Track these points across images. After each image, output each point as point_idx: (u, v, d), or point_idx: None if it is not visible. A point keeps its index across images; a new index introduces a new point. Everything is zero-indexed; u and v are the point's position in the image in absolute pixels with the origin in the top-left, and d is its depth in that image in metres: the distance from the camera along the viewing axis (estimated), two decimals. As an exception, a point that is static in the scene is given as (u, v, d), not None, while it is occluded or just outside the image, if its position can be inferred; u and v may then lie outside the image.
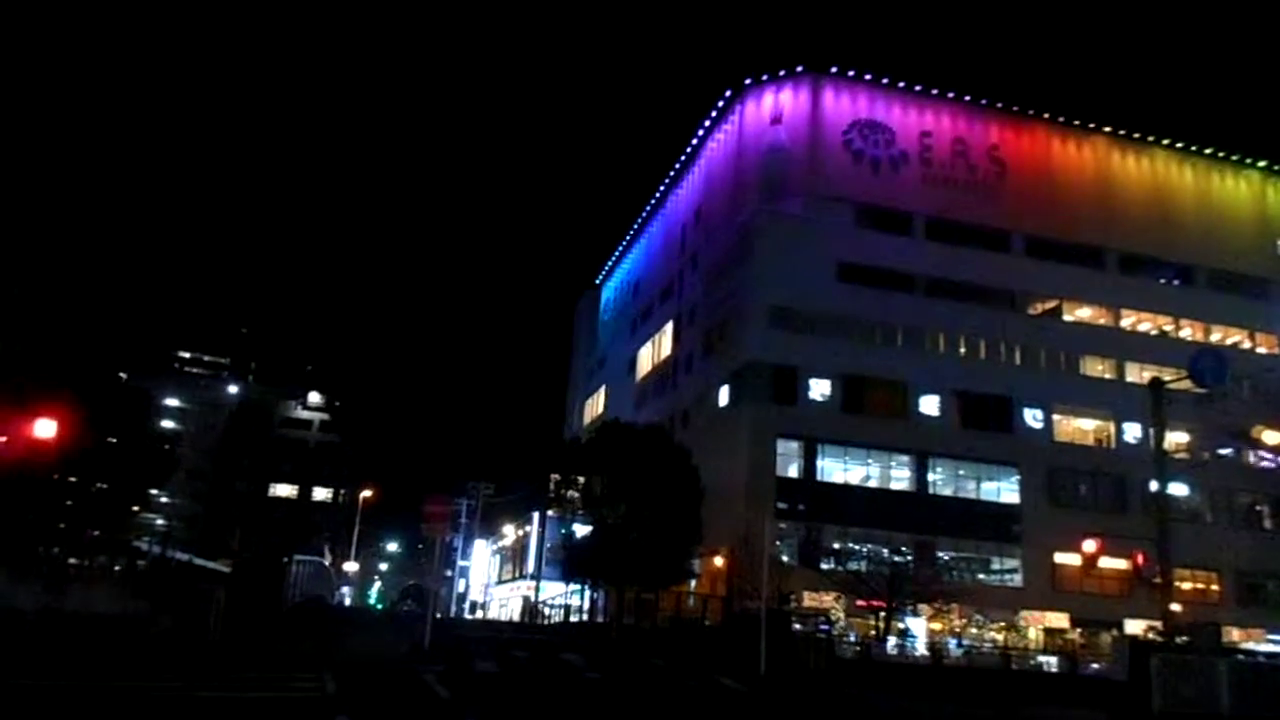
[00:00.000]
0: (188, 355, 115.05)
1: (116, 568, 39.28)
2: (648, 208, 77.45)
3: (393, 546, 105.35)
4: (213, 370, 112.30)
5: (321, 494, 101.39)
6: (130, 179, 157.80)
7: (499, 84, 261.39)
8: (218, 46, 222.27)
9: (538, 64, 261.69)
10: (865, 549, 47.68)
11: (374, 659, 23.26)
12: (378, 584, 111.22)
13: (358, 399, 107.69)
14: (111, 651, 19.76)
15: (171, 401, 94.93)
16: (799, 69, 58.86)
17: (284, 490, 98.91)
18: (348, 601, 70.01)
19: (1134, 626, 46.72)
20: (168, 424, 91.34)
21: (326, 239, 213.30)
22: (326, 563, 63.18)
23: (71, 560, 37.52)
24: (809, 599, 45.76)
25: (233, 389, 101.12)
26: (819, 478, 49.66)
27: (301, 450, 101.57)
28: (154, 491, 78.52)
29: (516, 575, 75.65)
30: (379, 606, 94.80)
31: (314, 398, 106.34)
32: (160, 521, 77.30)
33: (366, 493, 71.57)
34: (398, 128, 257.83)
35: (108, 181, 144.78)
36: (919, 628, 45.04)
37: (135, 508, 70.58)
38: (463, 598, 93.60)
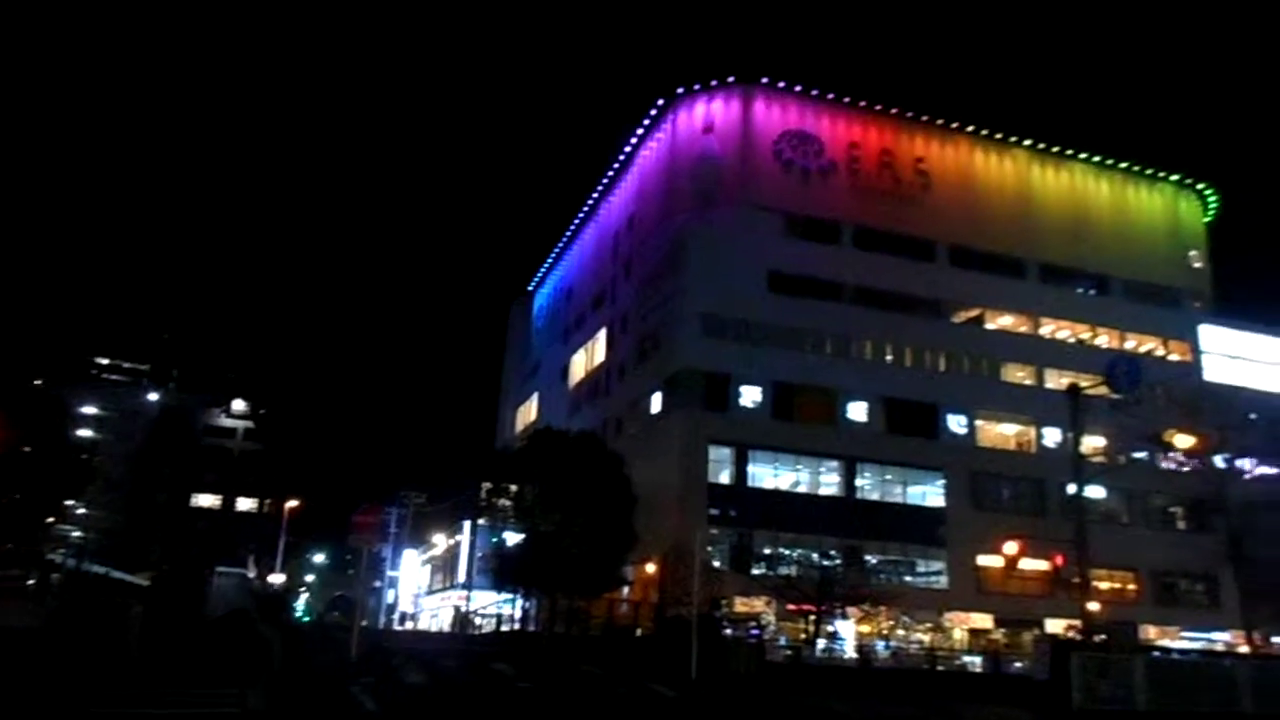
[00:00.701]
0: (106, 362, 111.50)
1: (30, 581, 37.84)
2: (581, 214, 77.39)
3: (320, 558, 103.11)
4: (132, 377, 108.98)
5: (246, 504, 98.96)
6: (44, 180, 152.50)
7: (431, 89, 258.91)
8: (129, 50, 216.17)
9: (470, 70, 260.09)
10: (795, 554, 48.18)
11: (300, 672, 22.76)
12: (305, 596, 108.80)
13: (284, 406, 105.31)
14: (21, 669, 18.99)
15: (89, 409, 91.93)
16: (730, 79, 59.47)
17: (206, 501, 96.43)
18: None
19: (1055, 626, 47.98)
20: (85, 433, 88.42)
21: (252, 243, 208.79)
22: (251, 575, 61.59)
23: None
24: (740, 604, 46.09)
25: (153, 396, 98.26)
26: (750, 484, 50.05)
27: (225, 459, 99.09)
28: (70, 502, 75.95)
29: (447, 585, 74.70)
30: (306, 619, 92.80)
31: (238, 405, 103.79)
32: (76, 533, 74.79)
33: (292, 503, 69.99)
34: (328, 131, 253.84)
35: (19, 184, 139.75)
36: (848, 630, 45.64)
37: (50, 519, 68.14)
38: (392, 608, 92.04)
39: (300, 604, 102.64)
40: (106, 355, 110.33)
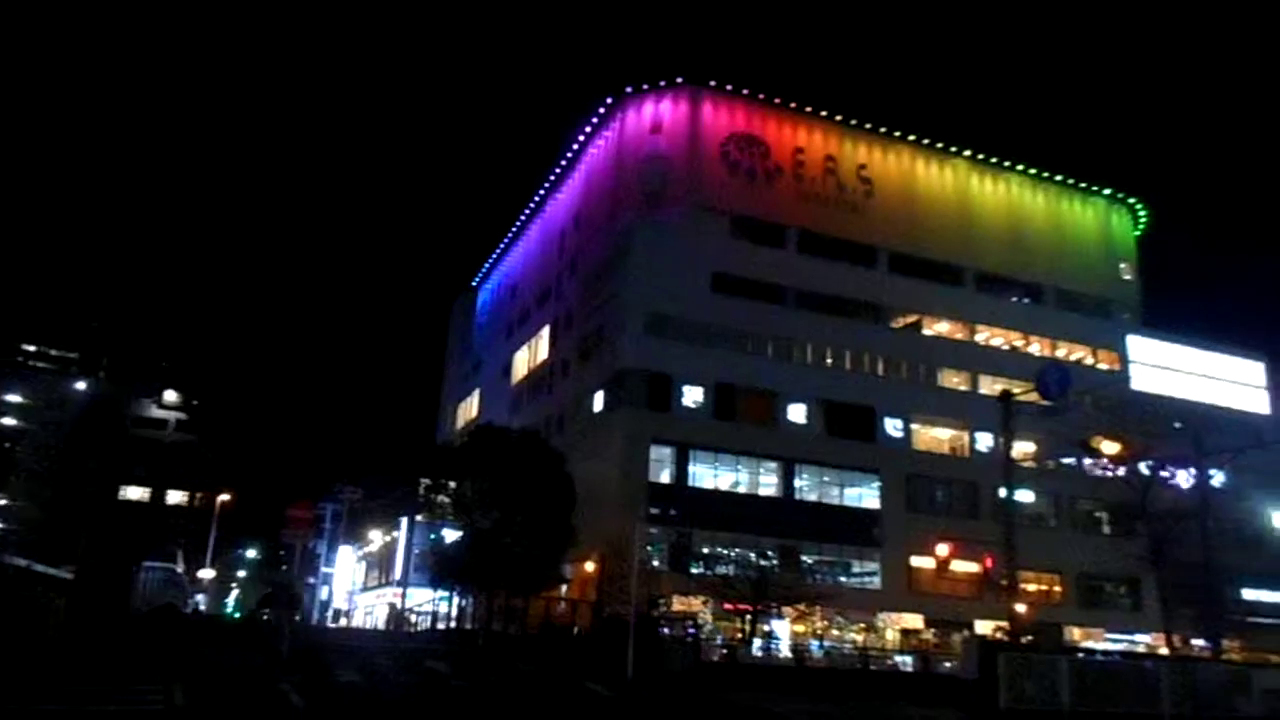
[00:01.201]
0: (33, 349, 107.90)
1: (-56, 576, 36.53)
2: (527, 211, 76.99)
3: (252, 553, 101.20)
4: (60, 365, 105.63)
5: (176, 497, 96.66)
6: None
7: (379, 80, 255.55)
8: (58, 36, 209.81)
9: (418, 62, 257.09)
10: (733, 553, 48.49)
11: (229, 669, 22.34)
12: (235, 592, 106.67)
13: (218, 398, 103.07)
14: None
15: (13, 398, 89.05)
16: (679, 80, 59.63)
17: (136, 493, 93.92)
18: (203, 610, 66.89)
19: (984, 627, 49.00)
20: (8, 421, 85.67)
21: (188, 230, 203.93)
22: (180, 570, 60.23)
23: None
24: (678, 603, 46.26)
25: (81, 385, 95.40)
26: (690, 483, 50.23)
27: (156, 451, 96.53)
28: (-10, 493, 73.40)
29: (383, 582, 73.79)
30: (236, 615, 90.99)
31: (170, 396, 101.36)
32: (-3, 525, 72.27)
33: (225, 496, 68.61)
34: (270, 117, 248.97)
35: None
36: (783, 630, 46.08)
37: (-33, 511, 65.81)
38: (326, 605, 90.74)
39: (231, 600, 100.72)
40: (33, 342, 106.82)
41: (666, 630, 37.96)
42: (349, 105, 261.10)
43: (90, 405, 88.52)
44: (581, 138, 65.56)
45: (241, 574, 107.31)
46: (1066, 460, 52.73)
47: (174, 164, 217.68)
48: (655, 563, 45.81)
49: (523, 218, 78.10)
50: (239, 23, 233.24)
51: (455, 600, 48.80)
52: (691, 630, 40.13)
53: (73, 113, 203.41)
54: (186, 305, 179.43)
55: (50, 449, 78.64)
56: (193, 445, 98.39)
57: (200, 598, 67.88)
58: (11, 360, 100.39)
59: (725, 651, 37.56)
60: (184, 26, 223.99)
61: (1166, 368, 62.37)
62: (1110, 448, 26.59)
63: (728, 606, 44.81)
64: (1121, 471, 37.88)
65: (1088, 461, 49.92)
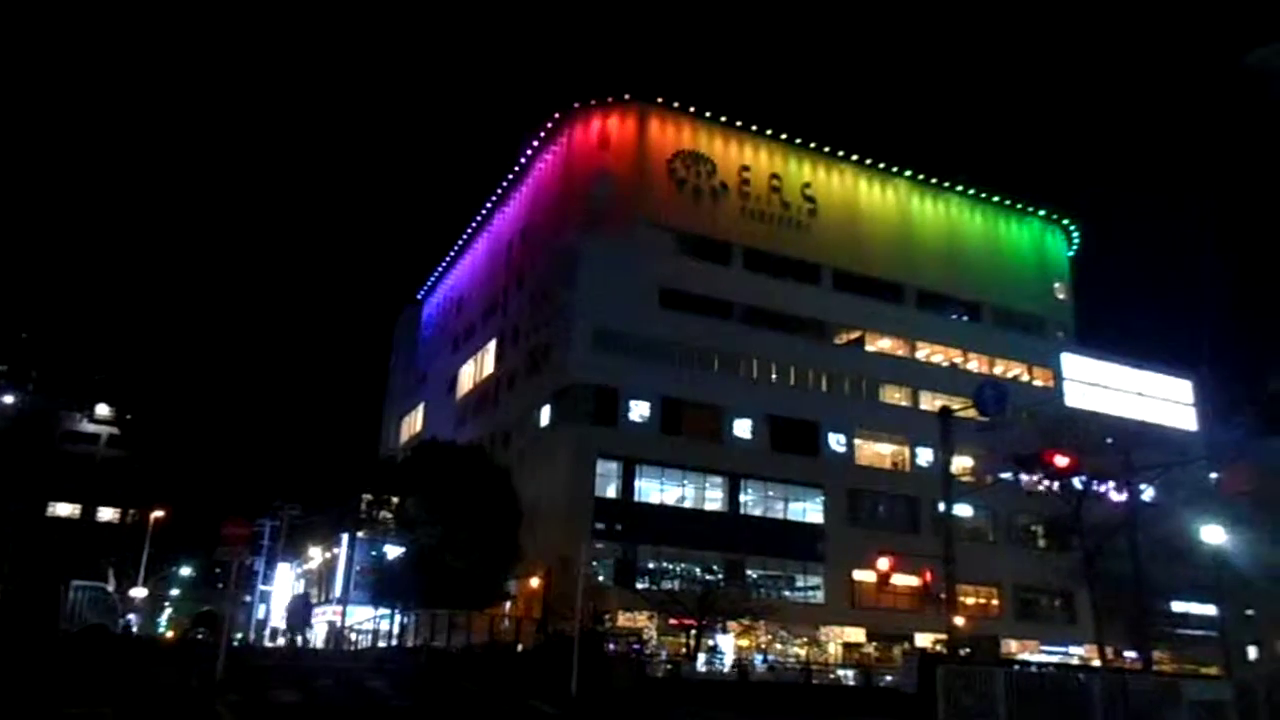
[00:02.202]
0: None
1: None
2: (473, 224, 76.58)
3: (187, 571, 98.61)
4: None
5: (108, 514, 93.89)
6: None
7: (323, 89, 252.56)
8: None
9: (365, 72, 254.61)
10: (679, 568, 48.64)
11: (162, 690, 21.77)
12: (169, 611, 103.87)
13: (151, 412, 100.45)
14: None
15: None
16: (626, 97, 59.98)
17: (65, 510, 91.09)
18: (135, 629, 65.02)
19: (924, 639, 49.70)
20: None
21: (121, 239, 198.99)
22: (110, 588, 58.47)
23: None
24: (623, 619, 46.20)
25: (8, 399, 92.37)
26: (637, 498, 50.32)
27: (87, 466, 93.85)
28: (-92, 511, 70.67)
29: (322, 599, 72.46)
30: (169, 634, 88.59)
31: (102, 410, 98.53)
32: (-85, 545, 69.58)
33: (158, 513, 66.86)
34: (211, 126, 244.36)
35: None
36: (727, 645, 46.24)
37: (-116, 529, 63.24)
38: (263, 624, 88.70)
39: (164, 619, 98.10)
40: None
41: (612, 646, 37.84)
42: (292, 115, 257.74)
43: (17, 419, 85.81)
44: (529, 152, 65.55)
45: (175, 593, 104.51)
46: (1004, 475, 53.71)
47: (108, 169, 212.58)
48: (601, 578, 45.73)
49: (469, 231, 77.68)
50: (189, 24, 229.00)
51: (397, 618, 48.10)
52: (636, 646, 40.08)
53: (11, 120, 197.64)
54: (120, 316, 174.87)
55: (-26, 463, 75.94)
56: (126, 460, 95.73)
57: (133, 617, 65.96)
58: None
59: (670, 667, 37.56)
60: (125, 36, 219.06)
61: (1099, 385, 64.01)
62: (1062, 460, 27.10)
63: (673, 622, 44.86)
64: (1056, 486, 38.70)
65: (1024, 477, 50.93)
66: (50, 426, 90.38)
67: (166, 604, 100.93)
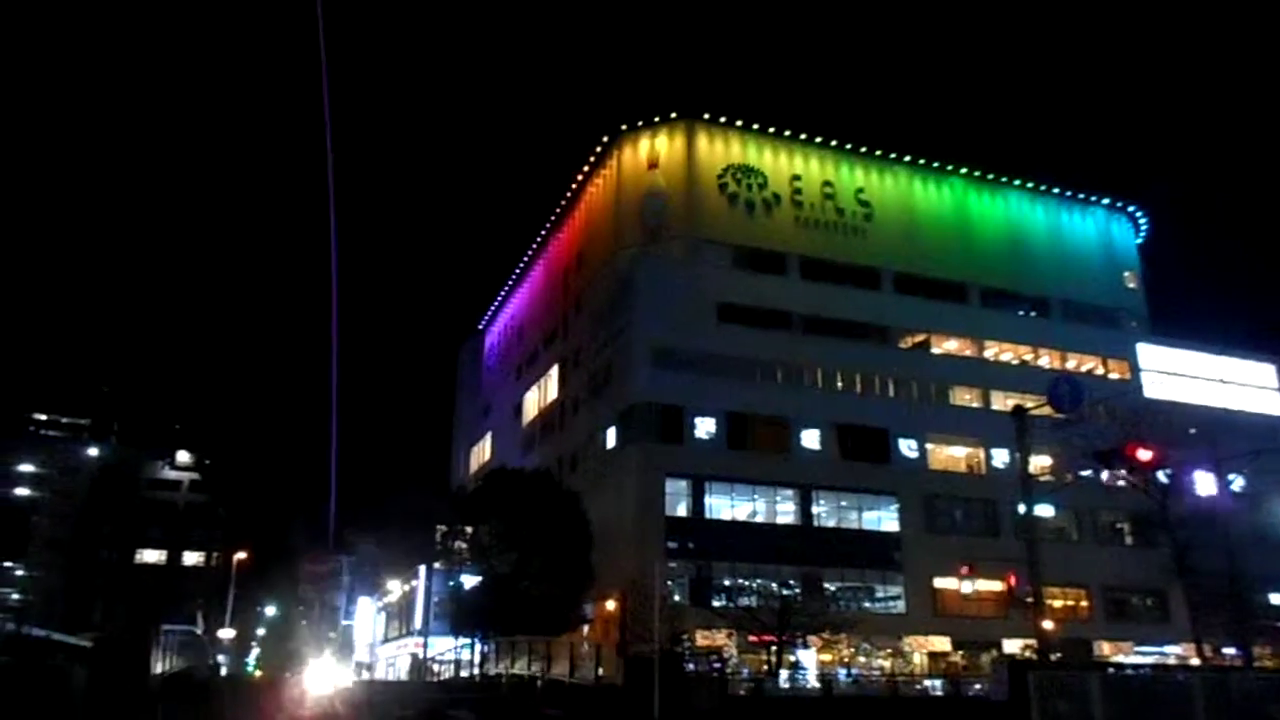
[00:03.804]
0: (44, 417, 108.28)
1: (-36, 650, 36.35)
2: (529, 253, 77.45)
3: (271, 610, 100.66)
4: (72, 432, 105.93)
5: (193, 558, 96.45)
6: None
7: (371, 135, 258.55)
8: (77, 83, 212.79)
9: (412, 110, 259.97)
10: (755, 584, 48.11)
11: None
12: (256, 650, 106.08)
13: (230, 456, 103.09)
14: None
15: (26, 467, 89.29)
16: (673, 115, 60.23)
17: (152, 556, 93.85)
18: (224, 670, 66.47)
19: (1012, 646, 48.42)
20: (23, 491, 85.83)
21: (193, 290, 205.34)
22: (199, 631, 59.91)
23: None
24: (702, 638, 45.78)
25: (94, 451, 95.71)
26: (707, 515, 50.00)
27: (170, 513, 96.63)
28: (9, 564, 73.54)
29: (404, 632, 73.27)
30: (257, 673, 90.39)
31: (182, 456, 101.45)
32: (16, 595, 72.38)
33: (241, 555, 68.42)
34: (273, 173, 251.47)
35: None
36: (809, 660, 45.54)
37: (-13, 583, 65.85)
38: (348, 659, 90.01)
39: (252, 659, 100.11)
40: (44, 410, 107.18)
41: (692, 666, 37.53)
42: (351, 159, 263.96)
43: (103, 470, 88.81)
44: (580, 177, 66.14)
45: (261, 631, 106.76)
46: (1085, 472, 52.35)
47: (176, 226, 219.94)
48: (677, 598, 45.42)
49: (525, 259, 78.55)
50: (253, 66, 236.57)
51: (477, 647, 48.41)
52: (717, 665, 39.65)
53: (71, 174, 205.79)
54: (197, 366, 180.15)
55: (65, 517, 78.73)
56: (207, 505, 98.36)
57: (222, 658, 67.47)
58: (23, 430, 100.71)
59: (752, 685, 37.11)
60: (209, 70, 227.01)
61: (1178, 374, 62.04)
62: (1145, 454, 26.25)
63: (752, 639, 44.34)
64: (1140, 481, 37.54)
65: (1106, 473, 49.58)
66: (134, 476, 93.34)
67: (254, 644, 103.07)
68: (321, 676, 45.21)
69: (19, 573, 74.74)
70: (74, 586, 75.66)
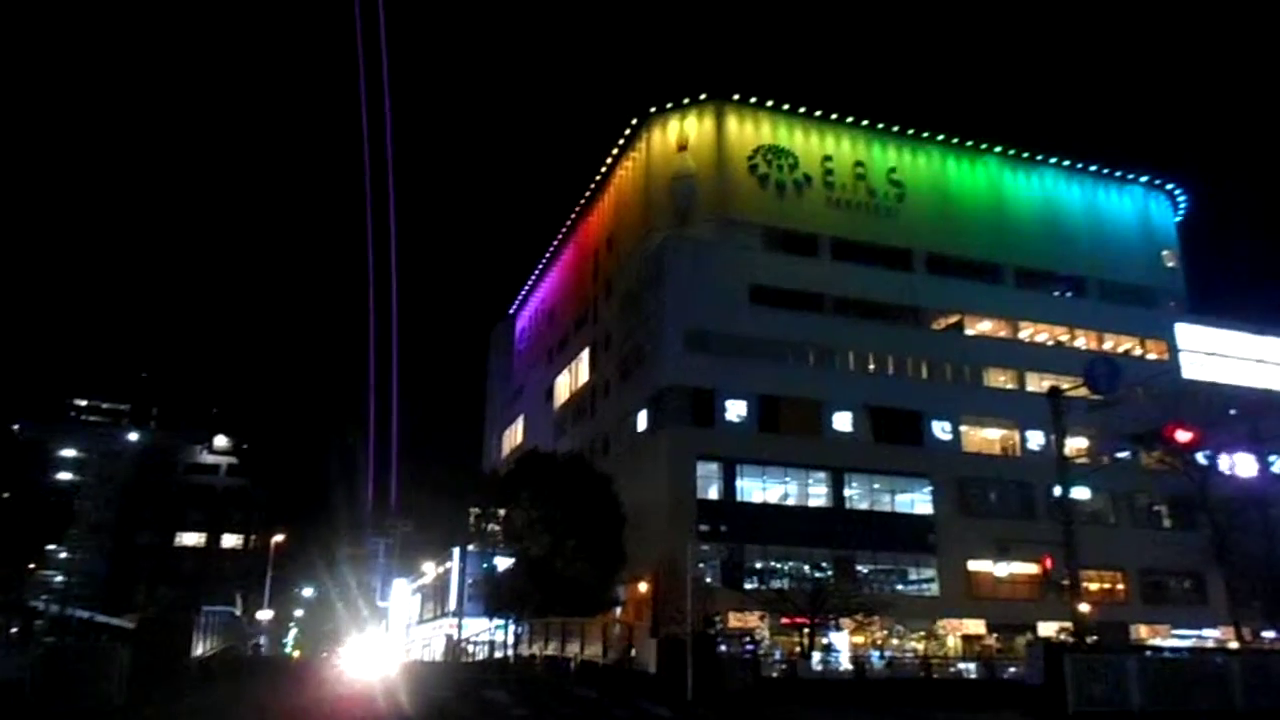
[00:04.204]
0: (84, 403, 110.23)
1: (13, 629, 37.31)
2: (559, 236, 77.56)
3: (308, 592, 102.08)
4: (112, 418, 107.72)
5: (231, 541, 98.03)
6: (10, 218, 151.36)
7: (396, 120, 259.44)
8: (114, 78, 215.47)
9: (436, 98, 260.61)
10: (787, 566, 48.11)
11: (288, 710, 22.53)
12: (294, 631, 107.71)
13: (267, 440, 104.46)
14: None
15: (68, 452, 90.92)
16: (703, 97, 59.93)
17: (191, 539, 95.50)
18: (263, 650, 67.62)
19: (1047, 629, 48.04)
20: (65, 476, 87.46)
21: (227, 274, 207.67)
22: (238, 612, 60.97)
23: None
24: (734, 620, 45.86)
25: (133, 436, 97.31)
26: (739, 498, 49.99)
27: (209, 496, 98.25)
28: (52, 547, 75.09)
29: (438, 613, 73.99)
30: (294, 653, 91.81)
31: (220, 441, 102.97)
32: (60, 578, 73.93)
33: (278, 537, 69.42)
34: (303, 161, 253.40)
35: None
36: (842, 642, 45.53)
37: (32, 565, 67.30)
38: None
39: (289, 640, 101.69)
40: (84, 396, 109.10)
41: (724, 648, 37.63)
42: (375, 143, 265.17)
43: (143, 455, 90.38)
44: (609, 160, 66.06)
45: (299, 613, 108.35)
46: (1121, 454, 51.76)
47: (212, 210, 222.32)
48: (709, 580, 45.50)
49: (556, 243, 78.69)
50: (285, 54, 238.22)
51: (511, 628, 48.84)
52: (750, 647, 39.63)
53: (112, 166, 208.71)
54: (232, 350, 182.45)
55: (107, 501, 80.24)
56: (245, 488, 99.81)
57: (261, 639, 68.62)
58: (65, 415, 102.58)
59: (784, 667, 37.15)
60: (222, 59, 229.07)
61: (1217, 354, 61.09)
62: (1184, 435, 25.80)
63: (785, 621, 44.40)
64: (1179, 463, 37.06)
65: (1144, 455, 49.00)
66: (173, 460, 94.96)
67: (291, 625, 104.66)
68: (364, 657, 45.74)
69: (63, 555, 76.25)
70: (116, 569, 77.18)
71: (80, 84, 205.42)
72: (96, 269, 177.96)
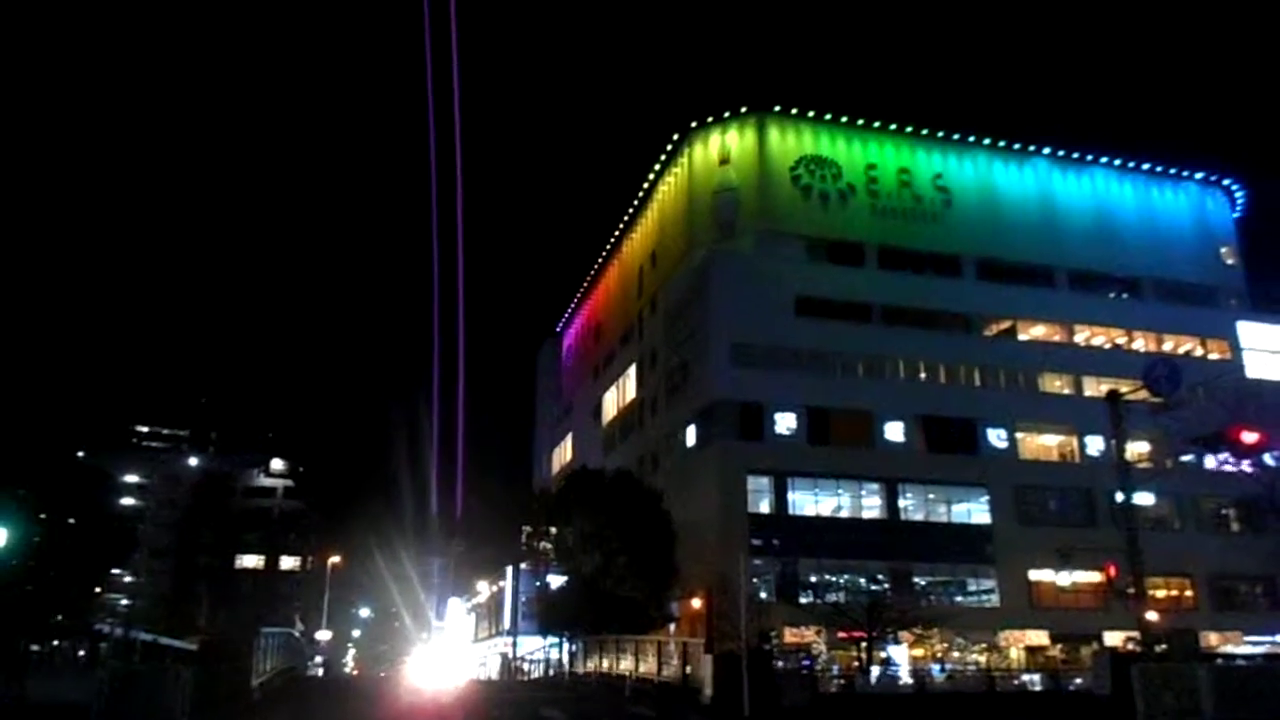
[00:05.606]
0: (146, 429, 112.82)
1: (80, 653, 38.06)
2: (603, 254, 77.87)
3: (365, 611, 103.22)
4: (172, 443, 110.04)
5: (289, 563, 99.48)
6: (70, 251, 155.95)
7: (447, 138, 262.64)
8: (163, 95, 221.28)
9: (478, 117, 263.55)
10: (842, 580, 47.58)
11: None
12: (352, 651, 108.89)
13: (322, 462, 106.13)
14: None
15: (131, 478, 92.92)
16: (743, 109, 59.85)
17: (250, 561, 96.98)
18: (321, 672, 68.42)
19: (1113, 638, 46.85)
20: (128, 501, 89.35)
21: (281, 301, 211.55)
22: (297, 633, 61.74)
23: (34, 647, 36.36)
24: (790, 635, 45.43)
25: (193, 461, 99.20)
26: (791, 511, 49.54)
27: (266, 519, 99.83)
28: (116, 571, 76.75)
29: (493, 632, 74.32)
30: (354, 672, 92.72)
31: (276, 464, 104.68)
32: (124, 601, 75.45)
33: (335, 558, 70.29)
34: (353, 187, 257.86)
35: (51, 251, 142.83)
36: (901, 655, 44.83)
37: (97, 589, 68.87)
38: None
39: (348, 659, 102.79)
40: (146, 423, 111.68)
41: (781, 664, 37.26)
42: (418, 161, 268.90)
43: (203, 479, 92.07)
44: (651, 176, 66.23)
45: (356, 633, 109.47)
46: (1185, 458, 50.38)
47: (257, 236, 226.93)
48: (763, 595, 45.12)
49: (600, 260, 78.99)
50: (332, 85, 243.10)
51: (565, 646, 48.86)
52: (806, 662, 39.27)
53: (172, 191, 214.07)
54: (287, 375, 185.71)
55: (169, 525, 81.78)
56: (301, 511, 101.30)
57: (320, 659, 69.41)
58: (127, 442, 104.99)
59: (842, 682, 36.72)
60: (276, 87, 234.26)
61: (1283, 352, 59.30)
62: (1250, 436, 24.98)
63: (842, 635, 43.85)
64: (1246, 465, 35.96)
65: (1209, 458, 47.68)
66: (231, 484, 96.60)
67: (350, 644, 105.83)
68: (431, 669, 45.86)
69: (127, 579, 77.90)
70: (179, 592, 78.58)
71: (138, 102, 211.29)
72: (157, 301, 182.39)
